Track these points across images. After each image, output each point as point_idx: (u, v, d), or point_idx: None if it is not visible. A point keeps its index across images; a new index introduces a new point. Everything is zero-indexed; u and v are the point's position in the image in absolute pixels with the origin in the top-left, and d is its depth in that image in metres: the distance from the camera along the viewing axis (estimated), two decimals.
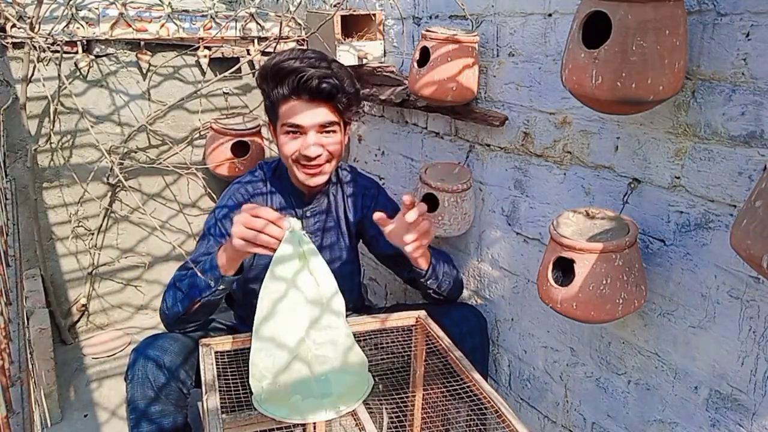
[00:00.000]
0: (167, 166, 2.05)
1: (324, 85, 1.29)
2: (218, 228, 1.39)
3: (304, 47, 1.43)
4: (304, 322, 1.05)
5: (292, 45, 2.21)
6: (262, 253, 1.09)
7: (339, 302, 1.08)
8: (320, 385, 1.07)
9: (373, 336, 1.30)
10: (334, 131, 1.35)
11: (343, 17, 1.82)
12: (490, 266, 1.61)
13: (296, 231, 1.06)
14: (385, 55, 1.90)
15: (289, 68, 1.29)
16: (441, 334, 1.25)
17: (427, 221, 1.22)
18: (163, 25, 2.03)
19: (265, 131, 2.28)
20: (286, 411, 1.08)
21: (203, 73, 2.16)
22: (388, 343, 1.31)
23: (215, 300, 1.25)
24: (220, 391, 1.05)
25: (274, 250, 1.06)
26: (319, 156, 1.34)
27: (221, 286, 1.21)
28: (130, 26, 1.98)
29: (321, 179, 1.39)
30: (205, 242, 1.38)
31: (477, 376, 1.12)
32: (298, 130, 1.33)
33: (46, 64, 1.90)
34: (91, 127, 2.00)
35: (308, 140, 1.32)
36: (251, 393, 1.13)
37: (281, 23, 2.09)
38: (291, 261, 1.05)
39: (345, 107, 1.35)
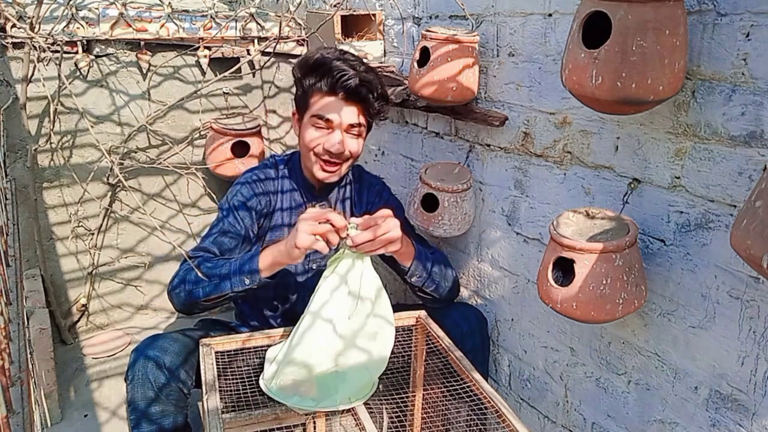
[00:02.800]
0: (167, 166, 2.05)
1: (362, 87, 1.34)
2: (231, 216, 1.42)
3: (345, 49, 1.46)
4: (345, 312, 1.10)
5: (292, 45, 2.21)
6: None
7: (381, 298, 1.15)
8: (338, 377, 1.10)
9: None
10: (359, 133, 1.40)
11: (343, 17, 1.82)
12: (490, 266, 1.61)
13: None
14: (385, 55, 1.90)
15: (332, 64, 1.34)
16: (441, 334, 1.25)
17: (386, 233, 1.17)
18: (163, 25, 2.03)
19: (265, 131, 2.28)
20: (297, 399, 1.08)
21: (203, 73, 2.16)
22: None
23: (241, 295, 1.27)
24: (220, 391, 1.05)
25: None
26: (341, 153, 1.38)
27: (254, 286, 1.23)
28: (130, 26, 1.98)
29: (335, 177, 1.43)
30: (218, 227, 1.40)
31: (477, 376, 1.12)
32: (327, 125, 1.36)
33: (46, 64, 1.90)
34: (91, 127, 2.00)
35: (335, 137, 1.36)
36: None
37: (281, 23, 2.09)
38: (346, 259, 1.13)
39: (375, 111, 1.40)
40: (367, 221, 1.14)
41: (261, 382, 1.14)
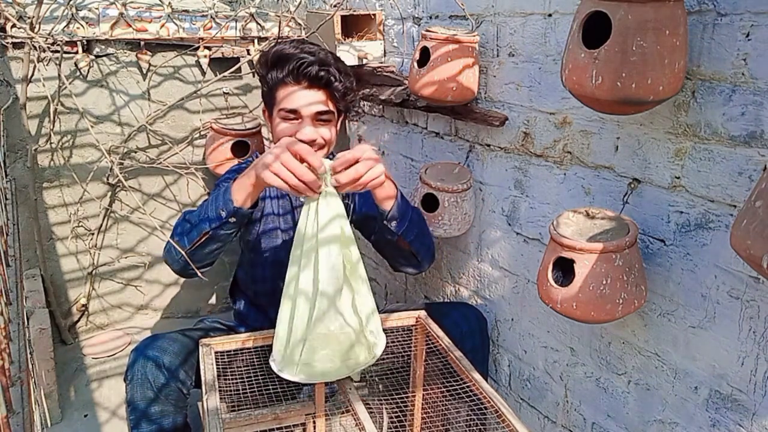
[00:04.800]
0: (167, 166, 2.05)
1: (323, 72, 1.33)
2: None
3: (303, 39, 1.45)
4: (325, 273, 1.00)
5: None
6: (292, 193, 1.03)
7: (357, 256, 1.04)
8: (339, 344, 1.02)
9: None
10: (329, 120, 1.38)
11: (343, 17, 1.82)
12: (490, 266, 1.61)
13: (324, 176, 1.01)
14: (385, 55, 1.90)
15: (290, 54, 1.33)
16: (441, 334, 1.25)
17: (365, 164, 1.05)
18: (163, 25, 2.03)
19: (265, 131, 2.28)
20: (303, 377, 1.04)
21: (203, 73, 2.16)
22: (388, 343, 1.30)
23: (224, 235, 1.19)
24: (220, 391, 1.05)
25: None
26: (313, 141, 1.35)
27: (232, 219, 1.16)
28: (130, 26, 1.98)
29: None
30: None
31: (477, 376, 1.12)
32: (295, 116, 1.35)
33: (46, 64, 1.90)
34: (91, 127, 1.99)
35: (304, 127, 1.34)
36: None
37: (281, 23, 2.09)
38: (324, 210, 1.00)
39: (341, 96, 1.38)
40: (345, 160, 1.03)
41: (270, 361, 1.07)
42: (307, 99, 1.34)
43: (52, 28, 1.86)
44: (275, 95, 1.36)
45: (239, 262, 1.56)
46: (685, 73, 0.98)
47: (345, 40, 1.83)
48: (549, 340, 1.44)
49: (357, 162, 1.03)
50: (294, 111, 1.34)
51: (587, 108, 1.06)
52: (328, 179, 1.02)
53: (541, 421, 1.52)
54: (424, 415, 1.31)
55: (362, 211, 1.41)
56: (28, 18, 1.77)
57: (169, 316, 2.31)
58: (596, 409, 1.34)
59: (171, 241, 1.21)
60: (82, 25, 1.93)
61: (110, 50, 2.01)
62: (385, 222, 1.28)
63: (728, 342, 1.04)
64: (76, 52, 1.93)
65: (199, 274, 1.23)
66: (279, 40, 1.41)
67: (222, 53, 2.13)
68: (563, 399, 1.43)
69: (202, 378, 1.09)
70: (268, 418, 1.13)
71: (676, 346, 1.14)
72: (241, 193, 1.14)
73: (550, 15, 1.28)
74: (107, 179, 2.08)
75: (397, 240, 1.32)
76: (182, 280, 2.25)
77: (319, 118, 1.36)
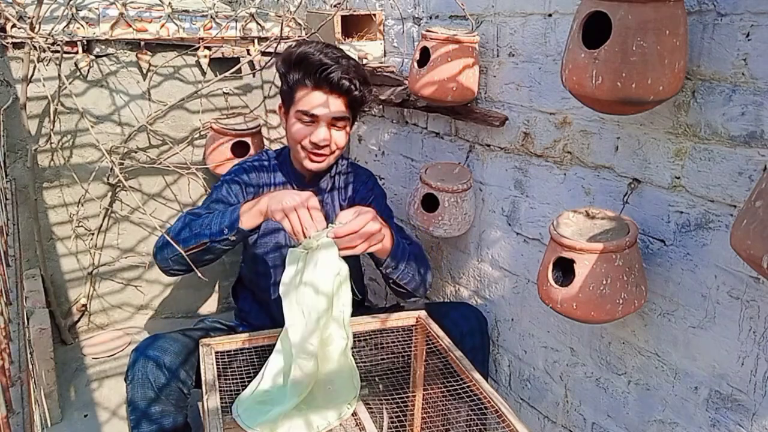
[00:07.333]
0: (167, 166, 2.05)
1: (344, 80, 1.36)
2: (224, 188, 1.45)
3: (327, 42, 1.47)
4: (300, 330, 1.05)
5: None
6: (288, 230, 1.11)
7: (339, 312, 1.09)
8: (293, 396, 1.07)
9: (373, 336, 1.30)
10: (343, 125, 1.42)
11: (343, 17, 1.82)
12: (490, 266, 1.61)
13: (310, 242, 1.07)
14: (385, 55, 1.90)
15: (315, 59, 1.36)
16: (441, 334, 1.25)
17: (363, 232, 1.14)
18: (163, 25, 2.03)
19: (265, 131, 2.28)
20: (255, 420, 1.07)
21: (203, 73, 2.16)
22: (388, 343, 1.31)
23: (219, 249, 1.26)
24: (220, 391, 1.05)
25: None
26: (326, 146, 1.40)
27: (232, 237, 1.23)
28: (130, 26, 1.98)
29: (322, 165, 1.44)
30: (211, 197, 1.44)
31: (477, 376, 1.12)
32: (311, 119, 1.38)
33: (46, 64, 1.90)
34: (91, 127, 1.99)
35: (320, 131, 1.38)
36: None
37: (281, 23, 2.09)
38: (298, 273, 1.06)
39: (359, 104, 1.43)
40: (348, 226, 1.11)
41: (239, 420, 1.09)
42: (326, 104, 1.37)
43: (52, 28, 1.86)
44: (294, 95, 1.39)
45: (242, 258, 1.58)
46: (685, 73, 0.98)
47: (345, 40, 1.83)
48: (549, 340, 1.44)
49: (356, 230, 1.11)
50: (311, 114, 1.37)
51: (587, 108, 1.06)
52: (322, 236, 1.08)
53: (541, 421, 1.52)
54: (425, 415, 1.31)
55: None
56: (28, 18, 1.77)
57: (169, 316, 2.31)
58: (596, 409, 1.34)
59: (167, 236, 1.25)
60: (82, 25, 1.92)
61: (110, 50, 2.00)
62: (381, 268, 1.35)
63: (728, 342, 1.04)
64: (76, 52, 1.93)
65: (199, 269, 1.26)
66: (302, 41, 1.44)
67: (222, 53, 2.13)
68: (563, 399, 1.43)
69: (203, 378, 1.09)
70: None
71: (676, 346, 1.14)
72: (248, 217, 1.22)
73: (550, 15, 1.28)
74: (107, 179, 2.08)
75: (394, 281, 1.38)
76: (182, 280, 2.26)
77: (334, 123, 1.39)
